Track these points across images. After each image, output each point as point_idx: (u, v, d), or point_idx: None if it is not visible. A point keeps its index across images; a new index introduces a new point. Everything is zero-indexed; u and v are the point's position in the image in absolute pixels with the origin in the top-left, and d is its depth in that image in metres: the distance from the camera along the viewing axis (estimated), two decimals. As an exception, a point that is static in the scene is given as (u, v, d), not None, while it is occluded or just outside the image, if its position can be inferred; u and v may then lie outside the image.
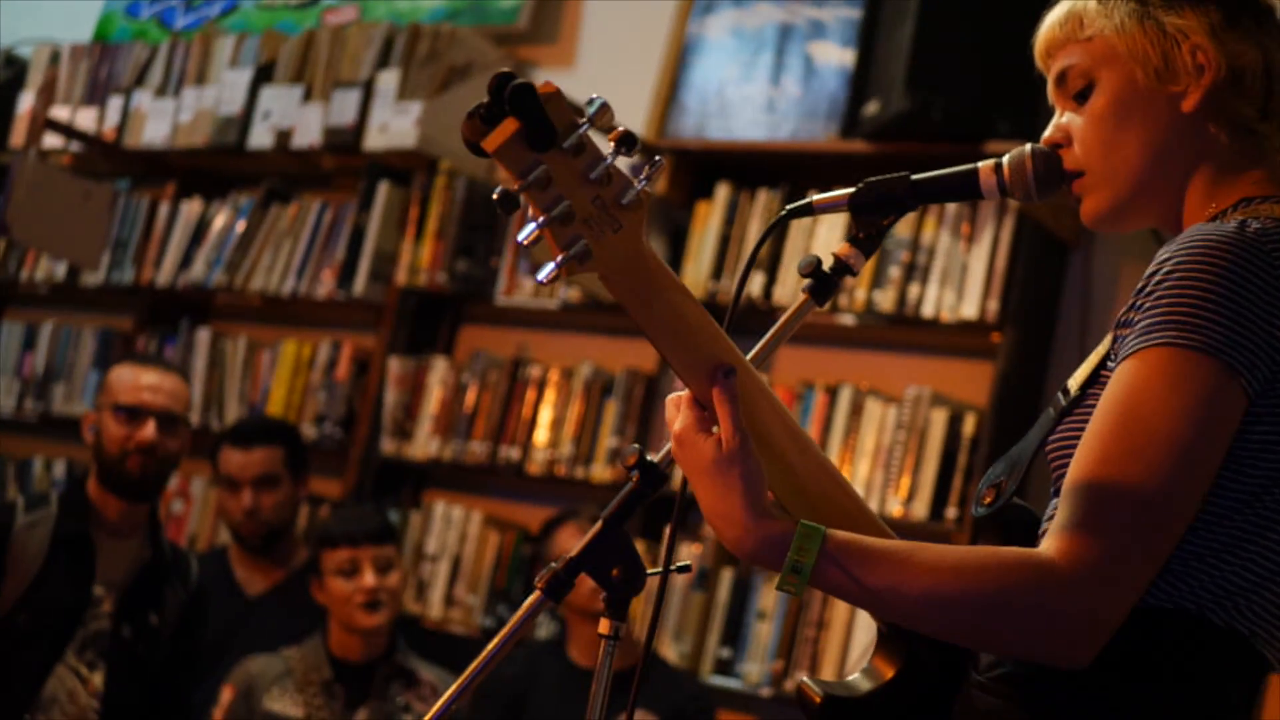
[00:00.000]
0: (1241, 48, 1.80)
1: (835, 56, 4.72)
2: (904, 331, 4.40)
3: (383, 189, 5.26)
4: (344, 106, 5.39)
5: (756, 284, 4.50)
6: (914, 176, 1.92)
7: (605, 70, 5.28)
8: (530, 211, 1.61)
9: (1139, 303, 1.66)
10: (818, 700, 1.80)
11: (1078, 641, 1.60)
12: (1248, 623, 1.66)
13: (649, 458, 1.81)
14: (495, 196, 1.59)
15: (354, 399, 5.27)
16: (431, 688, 4.16)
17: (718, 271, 4.61)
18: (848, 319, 4.38)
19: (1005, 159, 1.89)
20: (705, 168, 4.77)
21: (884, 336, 4.49)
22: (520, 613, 1.84)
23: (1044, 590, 1.59)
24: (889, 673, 1.80)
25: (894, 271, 4.31)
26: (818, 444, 4.28)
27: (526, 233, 1.59)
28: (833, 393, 4.40)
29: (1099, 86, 1.83)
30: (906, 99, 4.13)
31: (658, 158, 1.66)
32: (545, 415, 4.87)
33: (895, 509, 4.20)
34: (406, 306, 5.22)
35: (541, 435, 4.85)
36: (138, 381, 3.92)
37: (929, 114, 4.11)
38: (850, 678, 1.83)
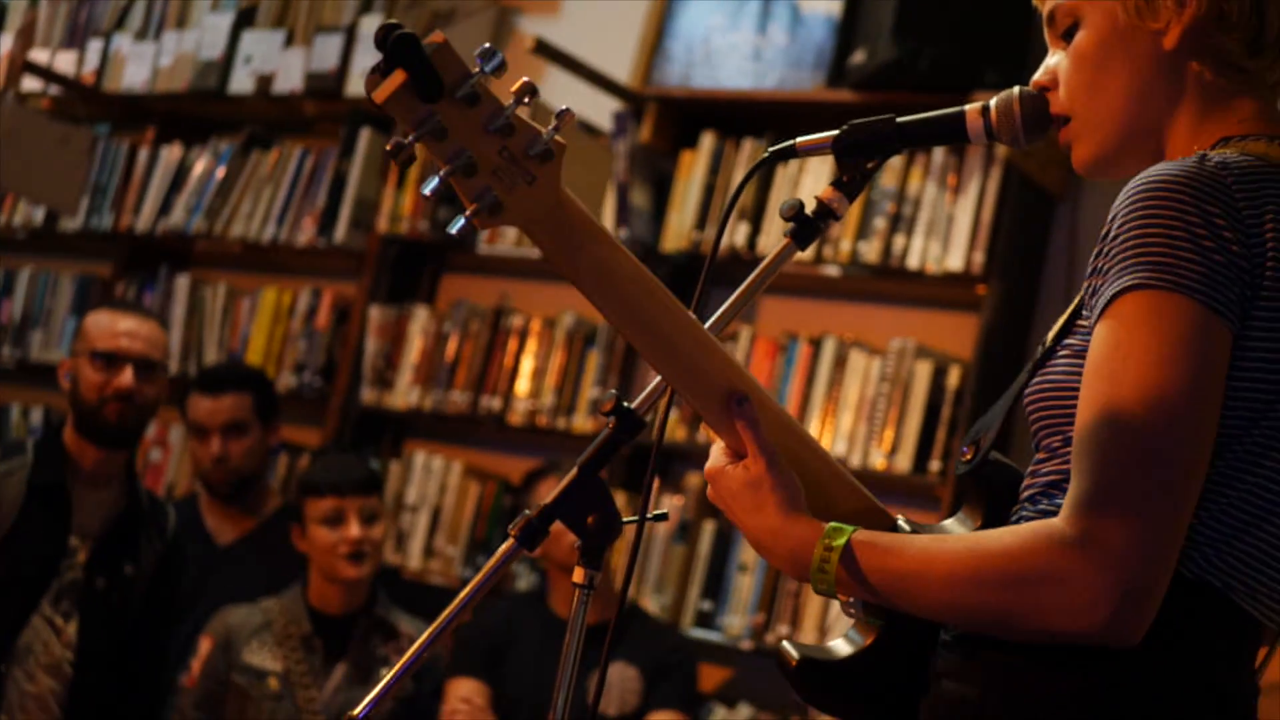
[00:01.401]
0: None
1: (822, 6, 4.66)
2: (889, 283, 4.36)
3: (364, 136, 5.21)
4: (326, 52, 5.33)
5: (740, 234, 4.46)
6: (899, 119, 1.89)
7: (591, 17, 5.22)
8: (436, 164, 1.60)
9: (1105, 249, 1.62)
10: (794, 663, 1.79)
11: (1117, 616, 1.54)
12: (1221, 575, 1.61)
13: (626, 404, 1.79)
14: (388, 147, 1.57)
15: (334, 348, 5.23)
16: (410, 640, 4.13)
17: (702, 221, 4.57)
18: (832, 270, 4.35)
19: (993, 102, 1.85)
20: (690, 117, 4.72)
21: (869, 288, 4.45)
22: (494, 560, 1.82)
23: (1063, 563, 1.54)
24: (869, 638, 1.79)
25: (879, 222, 4.27)
26: (785, 398, 4.26)
27: (430, 185, 1.58)
28: (817, 344, 4.37)
29: (1082, 25, 1.79)
30: (894, 48, 4.08)
31: (565, 108, 1.63)
32: (527, 365, 4.83)
33: (879, 461, 4.17)
34: (388, 254, 5.18)
35: (523, 385, 4.82)
36: (115, 327, 3.87)
37: (916, 63, 4.07)
38: (830, 642, 1.82)
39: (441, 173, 1.59)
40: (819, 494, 1.77)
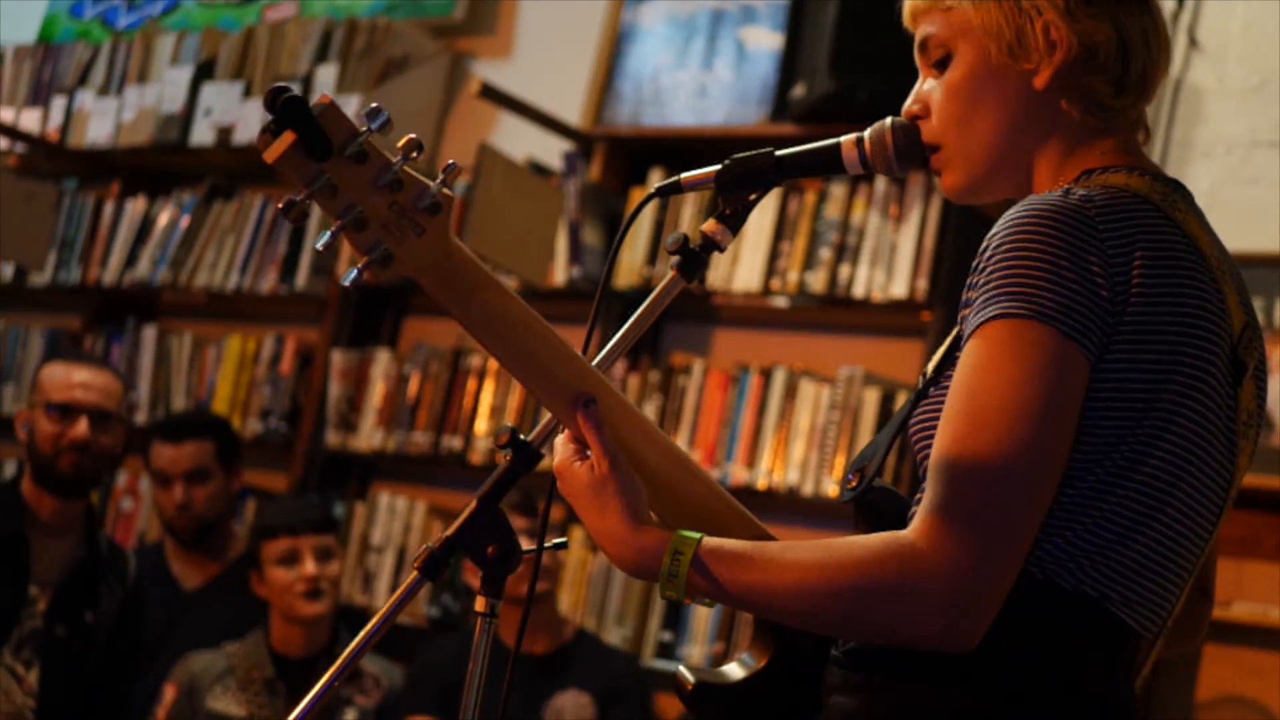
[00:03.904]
0: (1094, 25, 1.79)
1: (766, 41, 4.74)
2: (836, 312, 4.43)
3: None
4: (284, 101, 5.39)
5: (691, 269, 4.52)
6: (778, 153, 1.95)
7: (542, 60, 5.30)
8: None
9: (974, 280, 1.68)
10: (690, 687, 1.83)
11: (955, 624, 1.60)
12: (1097, 585, 1.66)
13: (521, 437, 1.84)
14: (280, 205, 1.62)
15: (298, 393, 5.28)
16: (374, 680, 4.17)
17: (653, 257, 4.63)
18: (780, 301, 4.41)
19: (867, 133, 1.91)
20: (639, 154, 4.80)
21: (816, 318, 4.51)
22: (397, 594, 1.86)
23: (910, 575, 1.59)
24: (762, 660, 1.83)
25: (825, 253, 4.33)
26: (738, 429, 4.28)
27: (322, 240, 1.64)
28: (767, 375, 4.42)
29: (955, 59, 1.85)
30: (831, 81, 4.16)
31: (451, 163, 1.68)
32: (486, 404, 4.89)
33: (831, 489, 4.22)
34: (349, 299, 5.24)
35: (482, 424, 4.87)
36: (69, 379, 3.93)
37: (854, 95, 4.14)
38: (725, 666, 1.86)
39: (334, 228, 1.64)
40: (704, 518, 1.80)
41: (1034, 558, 1.65)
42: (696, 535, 1.70)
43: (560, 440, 1.82)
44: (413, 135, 1.64)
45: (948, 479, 1.61)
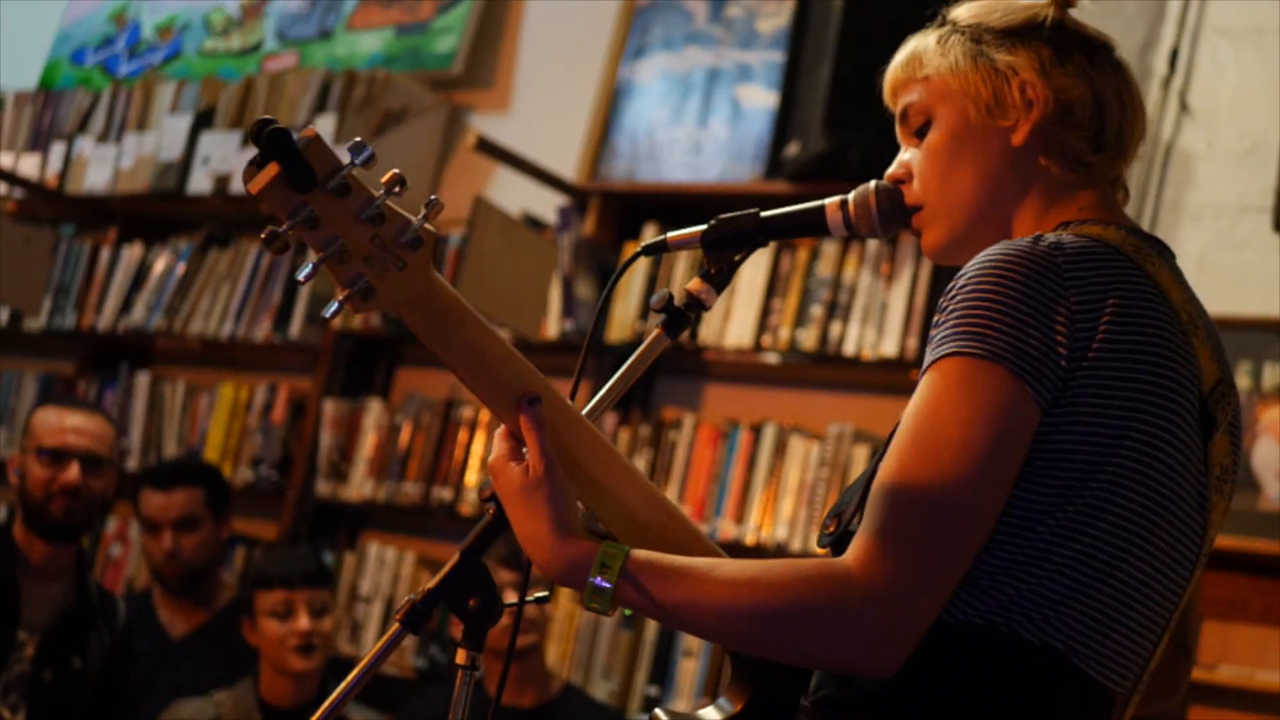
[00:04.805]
0: (1070, 83, 1.85)
1: (761, 99, 4.78)
2: (826, 369, 4.45)
3: (319, 233, 5.29)
4: (282, 151, 5.42)
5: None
6: (763, 214, 1.97)
7: (539, 114, 5.34)
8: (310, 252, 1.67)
9: (939, 319, 1.70)
10: None
11: (880, 649, 1.61)
12: (1063, 637, 1.66)
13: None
14: (263, 236, 1.62)
15: (290, 441, 5.29)
16: (361, 730, 4.18)
17: (645, 311, 4.65)
18: (771, 358, 4.43)
19: (851, 196, 1.94)
20: (633, 209, 4.83)
21: (807, 375, 4.53)
22: (379, 645, 1.86)
23: (840, 599, 1.60)
24: (739, 704, 1.83)
25: (816, 310, 4.36)
26: (728, 484, 4.30)
27: (305, 272, 1.64)
28: (757, 431, 4.44)
29: (935, 123, 1.89)
30: (824, 140, 4.18)
31: (433, 197, 1.69)
32: (477, 455, 4.90)
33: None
34: (342, 349, 5.26)
35: (473, 476, 4.88)
36: (61, 424, 3.93)
37: (847, 154, 4.17)
38: (702, 710, 1.87)
39: (315, 260, 1.64)
40: (651, 531, 1.80)
41: (998, 607, 1.65)
42: (624, 548, 1.70)
43: (498, 435, 1.80)
44: (396, 171, 1.65)
45: (890, 508, 1.62)
